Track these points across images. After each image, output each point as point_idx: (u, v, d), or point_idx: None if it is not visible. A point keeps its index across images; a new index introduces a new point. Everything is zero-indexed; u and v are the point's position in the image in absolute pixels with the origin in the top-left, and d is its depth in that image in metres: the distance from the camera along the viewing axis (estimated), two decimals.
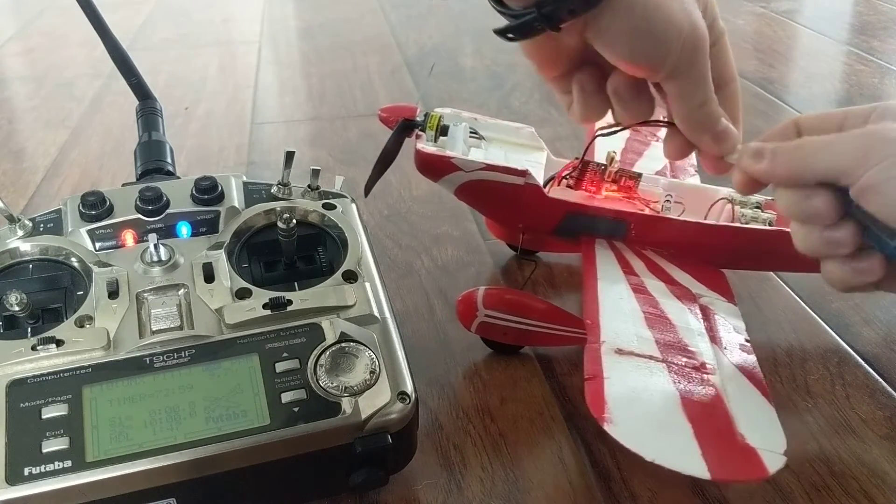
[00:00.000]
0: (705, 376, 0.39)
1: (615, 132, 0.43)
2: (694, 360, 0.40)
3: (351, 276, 0.42)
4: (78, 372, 0.37)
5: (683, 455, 0.35)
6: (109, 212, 0.45)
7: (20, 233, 0.43)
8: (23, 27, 1.27)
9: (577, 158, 0.52)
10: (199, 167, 0.77)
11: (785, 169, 0.36)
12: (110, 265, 0.42)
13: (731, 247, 0.49)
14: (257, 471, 0.36)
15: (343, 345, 0.38)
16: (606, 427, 0.35)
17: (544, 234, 0.53)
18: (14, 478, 0.33)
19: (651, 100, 0.39)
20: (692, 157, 0.62)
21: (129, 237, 0.44)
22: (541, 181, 0.50)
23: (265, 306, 0.40)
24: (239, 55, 1.11)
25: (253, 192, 0.47)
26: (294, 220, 0.43)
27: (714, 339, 0.43)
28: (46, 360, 0.37)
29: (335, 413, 0.36)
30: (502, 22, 0.36)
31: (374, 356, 0.38)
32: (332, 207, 0.46)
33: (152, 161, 0.53)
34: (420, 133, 0.51)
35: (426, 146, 0.49)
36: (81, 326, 0.39)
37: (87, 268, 0.42)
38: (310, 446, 0.36)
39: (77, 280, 0.42)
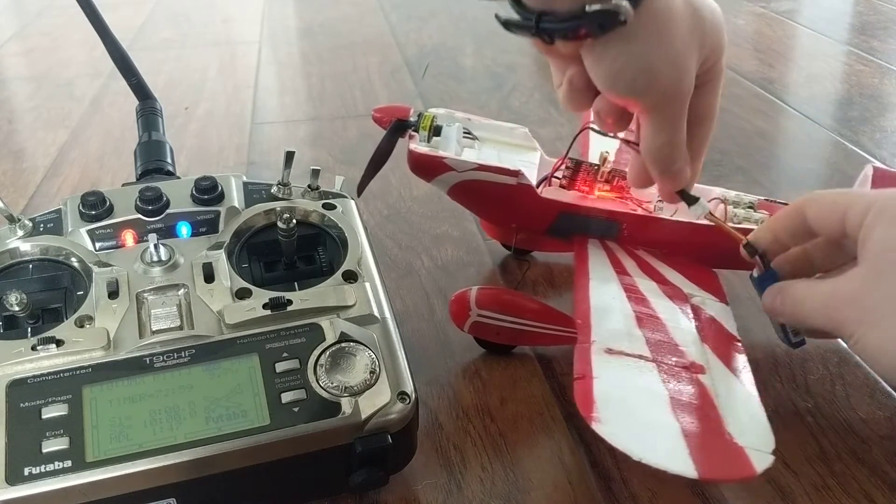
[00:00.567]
0: (695, 376, 0.40)
1: (604, 134, 0.43)
2: (684, 359, 0.41)
3: (351, 276, 0.42)
4: (78, 372, 0.37)
5: (671, 454, 0.35)
6: (109, 212, 0.45)
7: (20, 233, 0.44)
8: (23, 27, 1.27)
9: (569, 158, 0.52)
10: (199, 167, 0.77)
11: (790, 316, 0.41)
12: (110, 265, 0.42)
13: (723, 247, 0.49)
14: (257, 471, 0.36)
15: (343, 345, 0.38)
16: (594, 426, 0.35)
17: (537, 233, 0.53)
18: (14, 478, 0.33)
19: (629, 120, 0.40)
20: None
21: (129, 237, 0.44)
22: (534, 181, 0.50)
23: (265, 306, 0.40)
24: (239, 55, 1.11)
25: (253, 192, 0.47)
26: (294, 220, 0.43)
27: (705, 338, 0.43)
28: (46, 360, 0.37)
29: (335, 413, 0.36)
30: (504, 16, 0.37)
31: (374, 356, 0.38)
32: (332, 207, 0.46)
33: (152, 161, 0.53)
34: (413, 133, 0.51)
35: (419, 146, 0.50)
36: (81, 326, 0.39)
37: (87, 268, 0.42)
38: (310, 446, 0.36)
39: (77, 280, 0.42)
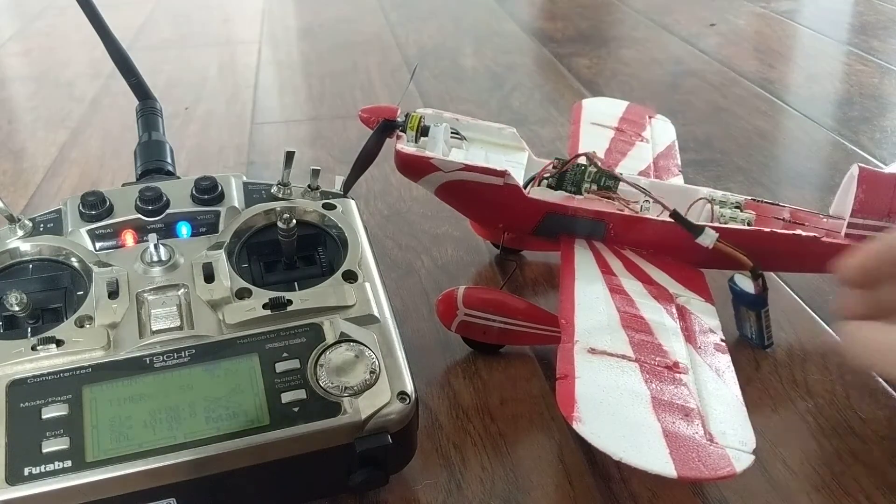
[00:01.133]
0: (677, 375, 0.40)
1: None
2: (667, 359, 0.41)
3: (351, 276, 0.42)
4: (78, 372, 0.37)
5: (651, 454, 0.35)
6: (109, 212, 0.45)
7: (20, 233, 0.43)
8: (23, 27, 1.27)
9: (557, 159, 0.52)
10: (199, 167, 0.77)
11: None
12: (110, 265, 0.42)
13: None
14: (257, 471, 0.36)
15: (343, 345, 0.38)
16: (575, 425, 0.36)
17: (524, 233, 0.53)
18: (14, 478, 0.33)
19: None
20: (676, 157, 0.62)
21: (129, 237, 0.44)
22: (521, 181, 0.50)
23: (265, 306, 0.40)
24: (239, 55, 1.11)
25: (253, 192, 0.47)
26: (294, 220, 0.43)
27: (689, 338, 0.43)
28: (46, 360, 0.37)
29: (335, 413, 0.36)
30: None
31: (374, 356, 0.38)
32: (332, 207, 0.46)
33: (152, 161, 0.53)
34: (401, 133, 0.51)
35: (406, 147, 0.50)
36: (81, 326, 0.39)
37: (87, 268, 0.42)
38: (310, 446, 0.36)
39: (77, 280, 0.42)
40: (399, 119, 0.51)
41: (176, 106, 0.91)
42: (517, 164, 0.53)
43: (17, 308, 0.39)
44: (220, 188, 0.46)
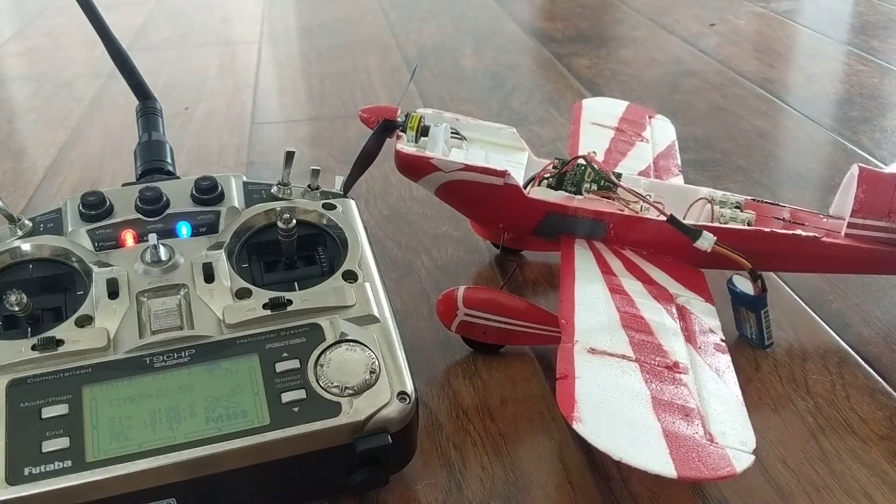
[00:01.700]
0: (677, 375, 0.40)
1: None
2: (667, 359, 0.41)
3: (351, 276, 0.42)
4: (78, 372, 0.37)
5: (650, 454, 0.35)
6: (109, 212, 0.45)
7: (20, 233, 0.43)
8: (23, 27, 1.27)
9: (557, 159, 0.52)
10: (199, 167, 0.77)
11: None
12: (110, 265, 0.42)
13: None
14: (257, 471, 0.36)
15: (343, 345, 0.38)
16: (575, 425, 0.36)
17: (524, 233, 0.53)
18: (14, 478, 0.33)
19: None
20: (676, 157, 0.62)
21: (129, 237, 0.44)
22: (521, 181, 0.50)
23: (265, 306, 0.40)
24: (239, 55, 1.11)
25: (253, 192, 0.47)
26: (294, 220, 0.43)
27: (689, 338, 0.43)
28: (46, 360, 0.37)
29: (335, 413, 0.36)
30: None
31: (374, 356, 0.38)
32: (332, 207, 0.46)
33: (152, 161, 0.52)
34: (401, 133, 0.51)
35: (406, 147, 0.50)
36: (81, 326, 0.39)
37: (87, 268, 0.42)
38: (310, 446, 0.36)
39: (77, 280, 0.42)
40: (399, 119, 0.51)
41: (176, 106, 0.91)
42: (517, 164, 0.53)
43: (17, 308, 0.39)
44: (220, 188, 0.46)
